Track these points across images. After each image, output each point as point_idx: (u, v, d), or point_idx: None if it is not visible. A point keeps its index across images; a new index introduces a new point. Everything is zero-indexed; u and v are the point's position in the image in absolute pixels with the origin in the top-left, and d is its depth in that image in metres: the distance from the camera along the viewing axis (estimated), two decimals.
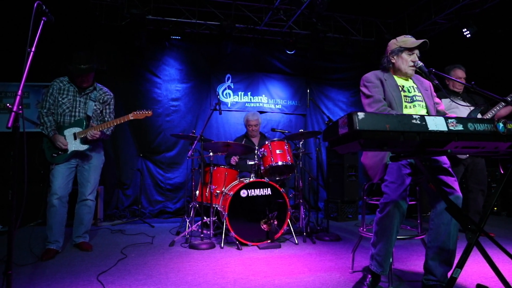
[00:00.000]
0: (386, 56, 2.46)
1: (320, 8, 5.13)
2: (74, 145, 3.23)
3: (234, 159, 4.54)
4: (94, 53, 3.31)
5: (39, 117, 3.24)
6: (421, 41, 2.34)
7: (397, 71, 2.43)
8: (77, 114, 3.29)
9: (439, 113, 2.43)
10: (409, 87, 2.41)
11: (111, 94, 3.51)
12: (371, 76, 2.41)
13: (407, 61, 2.37)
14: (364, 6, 5.98)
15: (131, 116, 3.34)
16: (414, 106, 2.33)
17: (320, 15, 5.42)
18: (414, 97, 2.36)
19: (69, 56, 3.21)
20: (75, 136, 3.24)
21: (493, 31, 5.40)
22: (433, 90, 2.49)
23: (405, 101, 2.33)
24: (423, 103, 2.35)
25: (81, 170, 3.35)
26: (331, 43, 6.41)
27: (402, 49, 2.38)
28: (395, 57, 2.42)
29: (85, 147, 3.25)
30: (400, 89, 2.37)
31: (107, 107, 3.46)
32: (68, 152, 3.20)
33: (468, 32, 5.19)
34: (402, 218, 2.12)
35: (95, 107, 3.36)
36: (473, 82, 2.07)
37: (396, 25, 6.35)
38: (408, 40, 2.40)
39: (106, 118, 3.44)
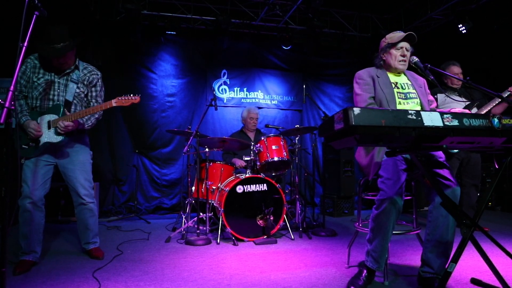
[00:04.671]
0: (378, 54, 2.50)
1: (316, 4, 5.12)
2: (47, 136, 2.64)
3: (239, 163, 4.37)
4: (68, 28, 2.66)
5: None
6: (405, 34, 2.36)
7: (389, 68, 2.45)
8: (55, 97, 2.71)
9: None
10: (403, 83, 2.42)
11: (98, 73, 2.92)
12: (363, 73, 2.45)
13: (396, 56, 2.39)
14: (361, 1, 5.97)
15: (114, 103, 2.70)
16: (408, 103, 2.34)
17: (316, 10, 5.41)
18: (408, 94, 2.37)
19: (38, 33, 2.51)
20: (49, 124, 2.67)
21: (489, 26, 5.41)
22: (427, 87, 2.51)
23: (398, 98, 2.34)
24: (418, 100, 2.36)
25: (65, 171, 2.80)
26: (328, 38, 6.40)
27: (390, 45, 2.41)
28: (385, 54, 2.45)
29: (58, 138, 2.66)
30: (394, 85, 2.38)
31: (92, 89, 2.87)
32: (40, 144, 2.64)
33: (463, 27, 5.20)
34: (398, 214, 2.13)
35: (77, 90, 2.78)
36: (468, 78, 2.08)
37: (393, 21, 6.34)
38: (394, 35, 2.42)
39: (91, 103, 2.88)
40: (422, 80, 2.51)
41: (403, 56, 2.38)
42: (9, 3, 4.59)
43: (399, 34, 2.40)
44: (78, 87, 2.81)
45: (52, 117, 2.69)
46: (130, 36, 5.36)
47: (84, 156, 2.88)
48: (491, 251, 2.46)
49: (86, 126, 2.82)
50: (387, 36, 2.46)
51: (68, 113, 2.69)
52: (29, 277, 2.43)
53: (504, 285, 1.76)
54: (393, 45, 2.39)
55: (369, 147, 2.36)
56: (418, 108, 2.33)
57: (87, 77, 2.86)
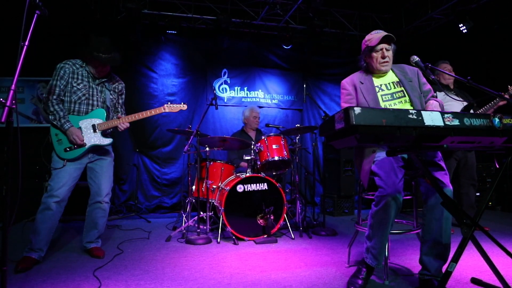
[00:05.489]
0: (361, 57, 2.47)
1: (317, 3, 5.12)
2: (94, 139, 2.86)
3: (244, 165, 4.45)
4: (111, 40, 2.95)
5: (46, 105, 2.78)
6: (382, 36, 2.31)
7: (373, 70, 2.43)
8: (95, 103, 2.92)
9: (426, 101, 2.40)
10: (388, 83, 2.40)
11: (123, 82, 3.19)
12: (346, 82, 2.47)
13: (377, 58, 2.37)
14: (361, 1, 5.97)
15: (164, 108, 3.13)
16: (396, 103, 2.32)
17: (316, 10, 5.41)
18: (394, 94, 2.35)
19: (84, 39, 2.89)
20: (94, 128, 2.87)
21: (489, 26, 5.41)
22: (421, 76, 2.44)
23: (383, 101, 2.34)
24: (406, 98, 2.33)
25: (93, 167, 2.94)
26: (328, 38, 6.40)
27: (370, 48, 2.38)
28: (367, 58, 2.43)
29: (107, 141, 2.93)
30: (378, 89, 2.37)
31: (119, 97, 3.14)
32: (87, 146, 2.83)
33: (464, 27, 5.19)
34: (398, 211, 2.12)
35: (111, 97, 3.04)
36: (469, 77, 2.07)
37: (393, 20, 6.34)
38: (372, 37, 2.38)
39: (119, 109, 3.14)
40: (413, 72, 2.45)
41: (384, 57, 2.35)
42: (10, 2, 4.59)
43: (377, 36, 2.35)
44: (111, 94, 3.05)
45: (96, 121, 2.90)
46: (130, 35, 5.36)
47: (111, 156, 3.09)
48: (492, 250, 2.47)
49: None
50: (366, 37, 2.43)
51: (121, 116, 3.00)
52: (30, 276, 2.44)
53: (504, 285, 1.77)
54: (372, 48, 2.36)
55: (358, 156, 2.39)
56: (408, 105, 2.31)
57: (116, 86, 3.11)
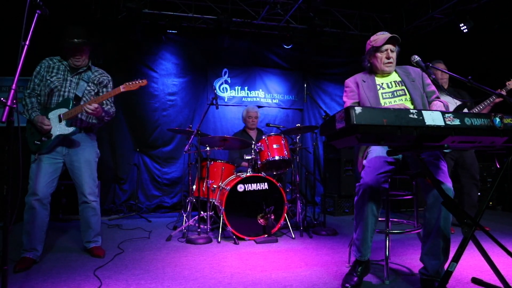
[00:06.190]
0: (365, 57, 2.51)
1: (318, 3, 5.12)
2: (59, 129, 2.75)
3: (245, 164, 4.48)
4: (88, 30, 2.94)
5: (23, 99, 2.79)
6: (388, 37, 2.35)
7: (377, 70, 2.47)
8: (66, 94, 2.83)
9: (430, 102, 2.42)
10: (389, 82, 2.43)
11: (109, 76, 3.08)
12: (350, 81, 2.55)
13: (382, 58, 2.40)
14: (362, 0, 5.97)
15: (122, 88, 2.86)
16: (396, 101, 2.36)
17: (317, 9, 5.41)
18: (395, 92, 2.39)
19: (61, 31, 2.86)
20: (60, 118, 2.77)
21: (490, 26, 5.40)
22: (426, 77, 2.46)
23: (383, 98, 2.38)
24: (407, 96, 2.36)
25: (72, 168, 2.87)
26: (328, 37, 6.39)
27: (375, 49, 2.41)
28: (371, 58, 2.47)
29: (70, 130, 2.77)
30: (379, 87, 2.41)
31: (104, 89, 3.02)
32: (52, 137, 2.73)
33: (464, 27, 5.19)
34: (377, 203, 2.15)
35: (88, 88, 2.92)
36: (469, 77, 2.07)
37: (393, 20, 6.33)
38: (378, 38, 2.41)
39: (103, 102, 2.98)
40: (417, 73, 2.47)
41: (388, 58, 2.39)
42: (11, 2, 4.59)
43: (382, 37, 2.39)
44: (88, 85, 2.94)
45: (62, 110, 2.78)
46: (130, 35, 5.36)
47: (90, 154, 2.94)
48: (492, 250, 2.47)
49: (106, 116, 2.96)
50: (371, 38, 2.46)
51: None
52: (30, 275, 2.44)
53: (505, 284, 1.77)
54: (378, 48, 2.39)
55: (356, 151, 2.45)
56: (408, 103, 2.34)
57: (97, 78, 3.00)
